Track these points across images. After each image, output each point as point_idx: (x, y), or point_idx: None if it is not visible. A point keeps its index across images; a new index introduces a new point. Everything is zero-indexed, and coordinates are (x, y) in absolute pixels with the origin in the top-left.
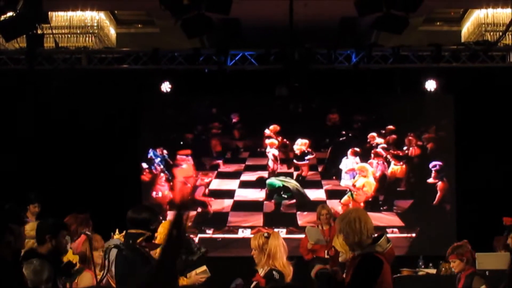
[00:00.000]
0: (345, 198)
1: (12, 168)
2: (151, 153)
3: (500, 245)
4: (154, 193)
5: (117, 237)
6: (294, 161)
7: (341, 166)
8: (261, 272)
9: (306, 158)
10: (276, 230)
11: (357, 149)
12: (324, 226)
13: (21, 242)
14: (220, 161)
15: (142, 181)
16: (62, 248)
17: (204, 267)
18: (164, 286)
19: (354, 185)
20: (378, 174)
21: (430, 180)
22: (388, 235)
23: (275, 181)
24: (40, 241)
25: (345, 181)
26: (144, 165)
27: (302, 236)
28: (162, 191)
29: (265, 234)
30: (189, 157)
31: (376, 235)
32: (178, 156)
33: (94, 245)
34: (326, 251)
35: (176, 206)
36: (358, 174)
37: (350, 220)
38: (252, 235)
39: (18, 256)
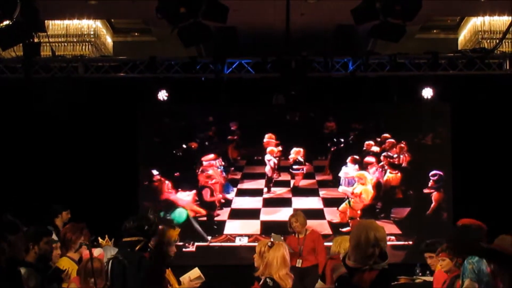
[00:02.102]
0: (343, 205)
1: (8, 176)
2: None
3: None
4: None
5: (105, 243)
6: (290, 170)
7: (340, 174)
8: (261, 281)
9: (295, 167)
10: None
11: (357, 157)
12: (300, 234)
13: (16, 250)
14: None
15: (153, 187)
16: (47, 254)
17: (197, 272)
18: None
19: (352, 193)
20: (374, 181)
21: (426, 190)
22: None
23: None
24: (25, 249)
25: (343, 189)
26: (154, 172)
27: None
28: (169, 198)
29: (269, 244)
30: (214, 162)
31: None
32: (204, 163)
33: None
34: (299, 260)
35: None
36: (357, 181)
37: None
38: (249, 244)
39: (14, 264)
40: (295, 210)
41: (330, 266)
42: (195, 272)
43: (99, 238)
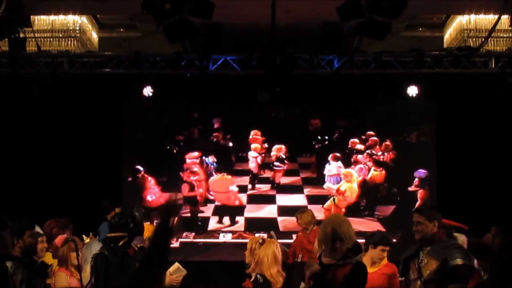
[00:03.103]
0: (328, 203)
1: None
2: (206, 161)
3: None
4: (149, 197)
5: (88, 240)
6: (271, 166)
7: (325, 172)
8: (252, 278)
9: (276, 164)
10: (257, 235)
11: (338, 154)
12: (306, 230)
13: (6, 245)
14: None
15: (136, 183)
16: (32, 246)
17: (176, 265)
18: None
19: (337, 190)
20: (360, 179)
21: (411, 188)
22: None
23: None
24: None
25: (328, 186)
26: (140, 168)
27: (285, 241)
28: (150, 195)
29: (260, 241)
30: (198, 160)
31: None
32: (188, 160)
33: (74, 247)
34: (300, 255)
35: (163, 210)
36: (343, 179)
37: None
38: (233, 240)
39: (0, 259)
40: (305, 208)
41: None
42: (174, 265)
43: (84, 236)
